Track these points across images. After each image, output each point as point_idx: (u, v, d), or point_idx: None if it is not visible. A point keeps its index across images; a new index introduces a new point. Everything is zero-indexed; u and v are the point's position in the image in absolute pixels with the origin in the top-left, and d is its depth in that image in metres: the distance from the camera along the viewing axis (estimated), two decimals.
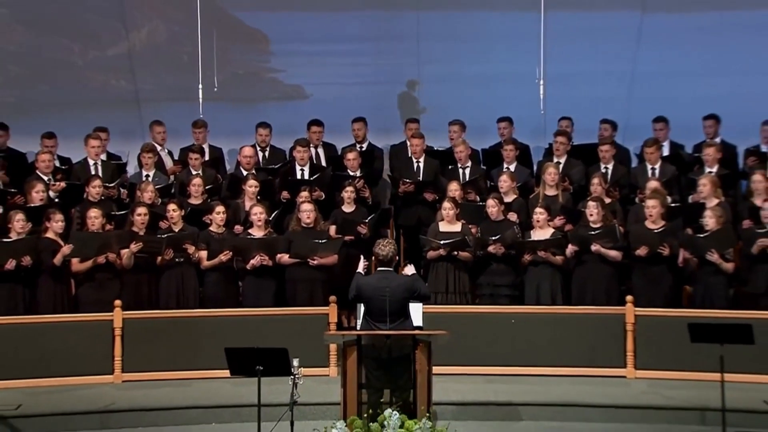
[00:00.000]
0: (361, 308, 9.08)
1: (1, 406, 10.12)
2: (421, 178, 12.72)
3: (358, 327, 9.11)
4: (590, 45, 14.59)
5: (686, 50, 14.51)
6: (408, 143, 13.21)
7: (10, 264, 10.99)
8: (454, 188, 12.03)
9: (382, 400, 8.46)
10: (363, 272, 9.15)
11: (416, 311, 9.10)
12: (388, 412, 7.70)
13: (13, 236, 11.17)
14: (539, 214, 11.52)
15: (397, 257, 9.23)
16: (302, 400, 8.64)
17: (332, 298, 11.08)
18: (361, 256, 9.46)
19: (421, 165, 12.86)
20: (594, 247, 11.26)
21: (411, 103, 15.19)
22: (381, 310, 8.65)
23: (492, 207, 11.66)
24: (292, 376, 8.52)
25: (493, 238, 11.41)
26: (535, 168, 13.26)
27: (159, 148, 13.23)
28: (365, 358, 8.63)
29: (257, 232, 11.54)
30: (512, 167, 12.71)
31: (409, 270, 9.18)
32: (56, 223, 11.35)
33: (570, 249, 11.41)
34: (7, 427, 9.83)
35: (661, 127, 13.28)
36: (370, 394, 8.58)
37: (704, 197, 11.70)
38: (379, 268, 8.92)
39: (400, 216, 12.81)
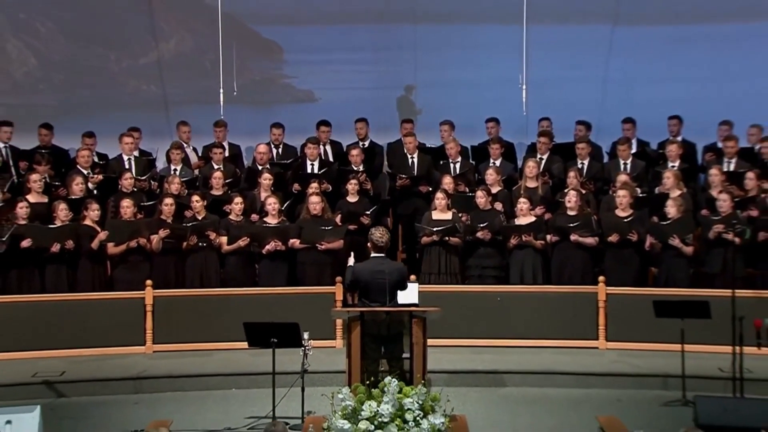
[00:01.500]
0: None
1: (47, 372, 10.20)
2: (415, 173, 12.69)
3: None
4: (567, 54, 14.56)
5: (652, 59, 14.49)
6: (403, 141, 13.16)
7: (55, 247, 11.08)
8: (447, 181, 12.04)
9: (381, 369, 8.45)
10: (353, 264, 9.08)
11: (412, 291, 9.06)
12: (387, 379, 7.69)
13: (58, 223, 11.24)
14: (523, 203, 11.56)
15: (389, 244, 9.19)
16: (312, 369, 8.71)
17: (338, 278, 11.07)
18: (351, 253, 9.40)
19: (415, 160, 12.83)
20: (573, 237, 11.30)
21: (408, 105, 15.16)
22: (378, 291, 8.59)
23: (481, 198, 11.67)
24: (303, 348, 8.55)
25: (482, 225, 11.42)
26: (519, 163, 13.22)
27: (185, 145, 13.21)
28: (365, 333, 8.61)
29: (271, 220, 11.56)
30: (498, 162, 12.71)
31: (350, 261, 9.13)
32: (93, 212, 11.42)
33: (550, 238, 11.44)
34: (53, 391, 9.91)
35: (628, 127, 13.27)
36: (368, 364, 8.57)
37: (668, 189, 11.71)
38: (373, 255, 8.84)
39: (398, 207, 12.78)
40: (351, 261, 9.09)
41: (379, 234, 8.80)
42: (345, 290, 9.49)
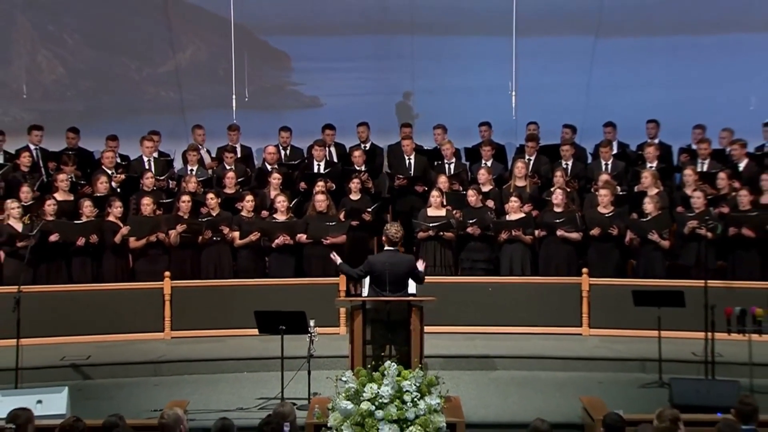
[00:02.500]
0: (367, 279, 9.14)
1: (74, 356, 10.27)
2: (412, 173, 12.68)
3: (364, 294, 9.12)
4: (553, 63, 14.56)
5: (631, 67, 14.51)
6: (401, 143, 13.16)
7: (81, 241, 11.12)
8: (442, 180, 12.04)
9: (383, 354, 8.49)
10: (339, 262, 9.33)
11: (411, 282, 9.11)
12: (387, 363, 7.72)
13: (83, 219, 11.25)
14: (513, 201, 11.55)
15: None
16: (317, 354, 8.72)
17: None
18: (333, 253, 9.59)
19: (412, 161, 12.82)
20: (559, 233, 11.30)
21: (406, 110, 15.17)
22: (389, 281, 8.71)
23: (472, 196, 11.67)
24: (309, 334, 8.58)
25: (471, 221, 11.42)
26: (509, 164, 13.22)
27: (200, 147, 13.21)
28: (372, 320, 8.65)
29: (280, 217, 11.56)
30: (489, 163, 12.71)
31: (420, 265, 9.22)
32: (116, 209, 11.44)
33: (538, 233, 11.46)
34: (79, 374, 9.98)
35: (610, 130, 13.26)
36: (374, 349, 8.62)
37: (646, 187, 11.72)
38: (387, 248, 8.95)
39: (396, 204, 12.74)
40: (338, 260, 9.32)
41: (394, 230, 8.93)
42: (357, 278, 9.45)
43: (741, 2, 14.44)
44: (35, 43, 15.20)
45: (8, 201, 11.25)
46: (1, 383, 9.05)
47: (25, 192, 11.56)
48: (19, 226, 11.04)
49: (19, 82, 15.11)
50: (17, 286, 9.39)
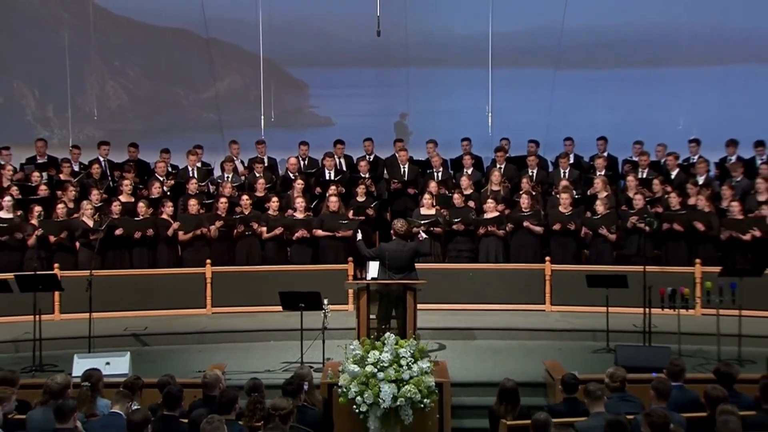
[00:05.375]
0: (369, 266, 9.16)
1: (134, 327, 10.34)
2: (406, 179, 12.72)
3: (368, 277, 9.13)
4: (521, 89, 14.60)
5: (584, 94, 14.55)
6: (397, 155, 13.18)
7: (138, 235, 11.16)
8: (432, 185, 12.06)
9: (384, 327, 8.52)
10: (359, 239, 9.51)
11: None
12: (387, 334, 7.78)
13: (142, 217, 11.29)
14: (490, 202, 11.55)
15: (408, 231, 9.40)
16: (330, 327, 8.74)
17: (350, 258, 11.13)
18: (359, 232, 9.69)
19: (406, 170, 12.82)
20: (525, 224, 11.32)
21: (402, 128, 15.17)
22: (394, 264, 8.84)
23: (457, 198, 11.70)
24: (323, 311, 8.62)
25: (456, 220, 11.45)
26: (486, 172, 13.22)
27: (235, 158, 13.22)
28: (382, 298, 8.69)
29: (300, 215, 11.59)
30: (470, 171, 12.72)
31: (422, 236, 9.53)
32: (168, 209, 11.49)
33: (509, 226, 11.48)
34: (139, 341, 10.07)
35: (569, 143, 13.24)
36: (380, 321, 8.65)
37: (597, 191, 11.75)
38: (394, 238, 9.09)
39: (393, 204, 12.73)
40: (359, 237, 9.49)
41: (399, 225, 9.12)
42: (368, 258, 9.46)
43: (671, 43, 14.47)
44: (104, 75, 15.29)
45: (83, 202, 11.33)
46: (78, 348, 9.13)
47: (96, 195, 11.61)
48: (90, 223, 11.11)
49: (91, 106, 15.18)
50: (89, 271, 9.47)
